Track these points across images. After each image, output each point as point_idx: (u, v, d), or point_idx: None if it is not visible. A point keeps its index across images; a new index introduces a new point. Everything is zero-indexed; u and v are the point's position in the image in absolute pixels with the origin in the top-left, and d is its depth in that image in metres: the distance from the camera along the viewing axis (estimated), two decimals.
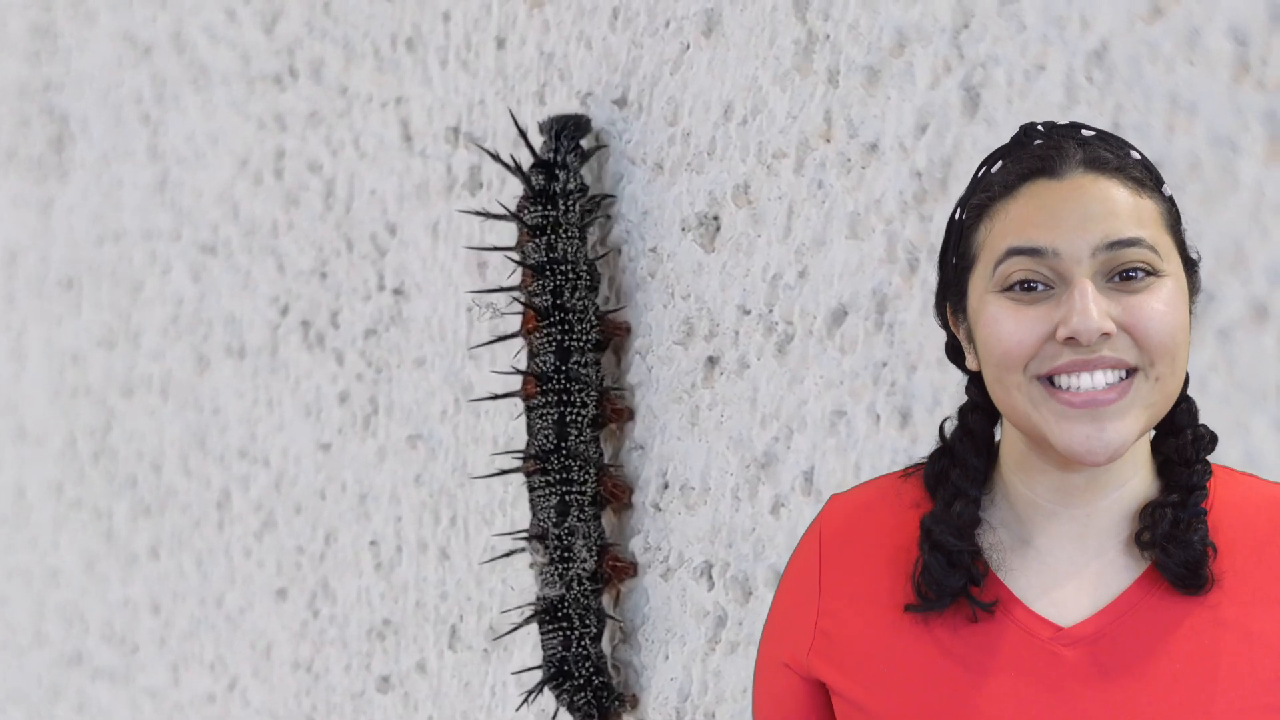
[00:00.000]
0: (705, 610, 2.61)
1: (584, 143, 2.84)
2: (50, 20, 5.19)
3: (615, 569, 2.76)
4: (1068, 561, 1.54)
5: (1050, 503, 1.55)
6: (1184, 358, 1.48)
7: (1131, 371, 1.46)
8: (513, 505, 3.07)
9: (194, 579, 4.23)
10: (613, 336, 2.80)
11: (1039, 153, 1.51)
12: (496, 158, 2.89)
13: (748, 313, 2.56)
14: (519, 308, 2.83)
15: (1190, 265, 1.53)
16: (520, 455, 2.80)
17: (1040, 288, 1.47)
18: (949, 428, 1.61)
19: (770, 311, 2.52)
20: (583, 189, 2.81)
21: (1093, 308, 1.44)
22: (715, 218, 2.64)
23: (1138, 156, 1.52)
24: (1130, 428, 1.47)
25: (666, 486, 2.71)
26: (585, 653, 2.74)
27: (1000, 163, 1.54)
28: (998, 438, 1.61)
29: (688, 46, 2.71)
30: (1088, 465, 1.49)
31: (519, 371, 2.81)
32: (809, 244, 2.45)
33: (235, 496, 4.06)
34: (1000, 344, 1.48)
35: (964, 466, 1.57)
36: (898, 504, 1.61)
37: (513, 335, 2.85)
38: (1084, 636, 1.50)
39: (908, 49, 2.31)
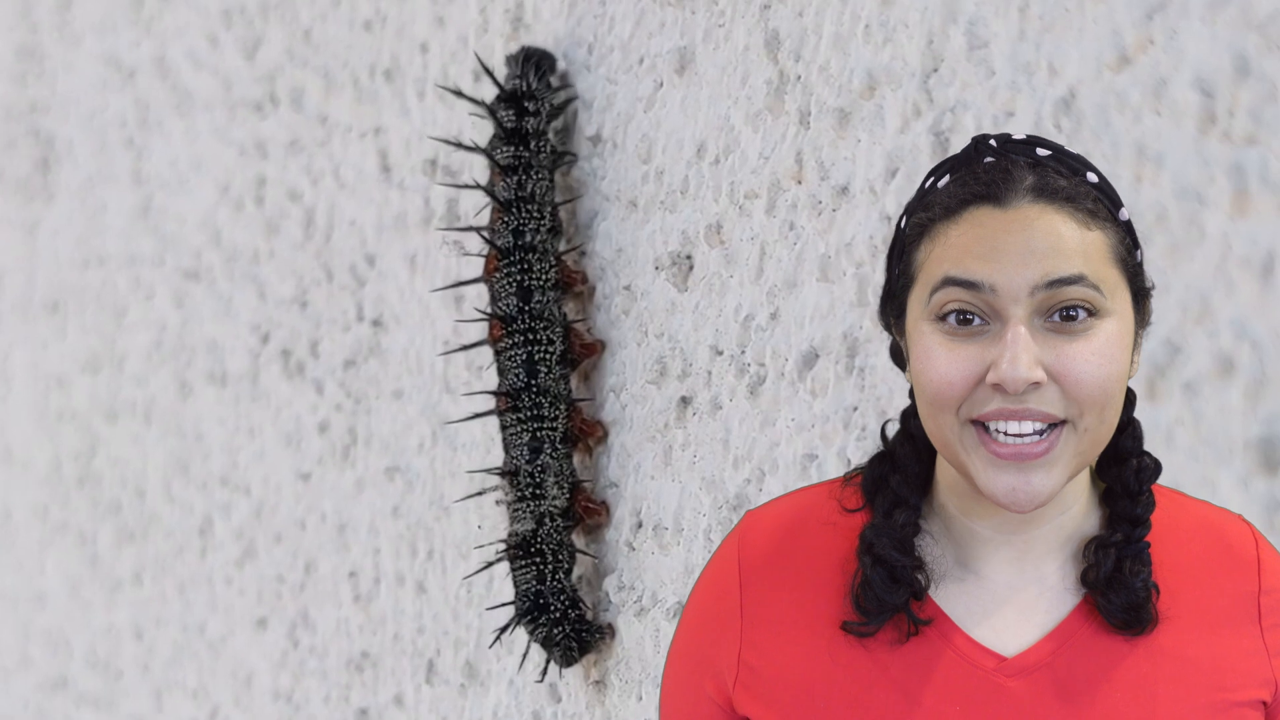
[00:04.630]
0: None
1: (552, 80, 2.87)
2: (36, 42, 5.18)
3: (587, 509, 2.74)
4: (1005, 586, 1.51)
5: (987, 530, 1.52)
6: (1115, 407, 1.45)
7: (1059, 423, 1.43)
8: (489, 539, 3.05)
9: (176, 606, 4.22)
10: (572, 283, 2.79)
11: (986, 176, 1.46)
12: (460, 93, 2.92)
13: (720, 353, 2.55)
14: (486, 252, 2.83)
15: (1142, 295, 1.49)
16: (494, 399, 2.78)
17: (976, 320, 1.43)
18: (890, 430, 1.59)
19: (742, 353, 2.51)
20: (554, 110, 2.84)
21: (1023, 356, 1.40)
22: (688, 257, 2.63)
23: (1094, 179, 1.48)
24: (1057, 478, 1.44)
25: (640, 526, 2.70)
26: (560, 586, 2.68)
27: (948, 177, 1.49)
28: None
29: (661, 84, 2.70)
30: (1012, 513, 1.47)
31: (484, 315, 2.79)
32: (780, 286, 2.44)
33: (217, 524, 4.05)
34: (932, 384, 1.45)
35: (904, 472, 1.54)
36: (824, 520, 1.56)
37: (475, 280, 2.85)
38: (1027, 667, 1.48)
39: (878, 92, 2.30)
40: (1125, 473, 1.52)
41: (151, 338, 4.37)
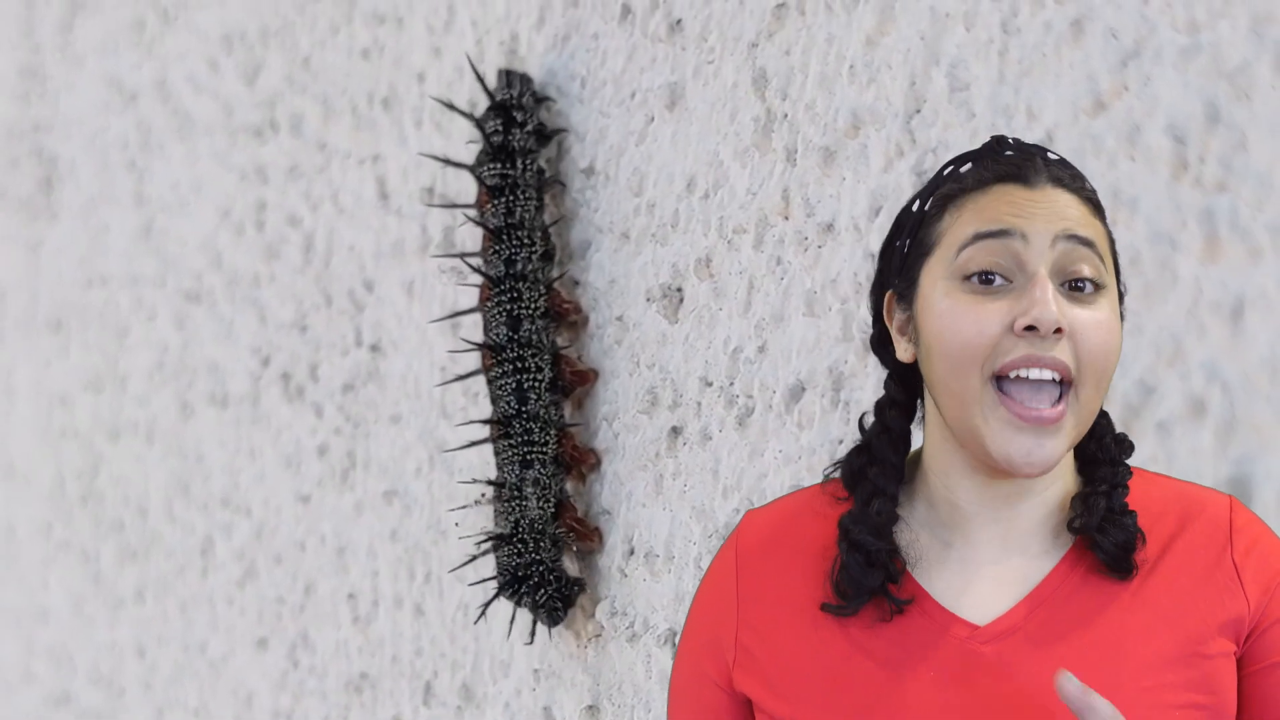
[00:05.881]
0: (669, 677, 2.64)
1: (534, 89, 2.94)
2: (39, 62, 5.23)
3: (578, 532, 2.80)
4: (989, 562, 1.58)
5: (972, 506, 1.58)
6: (1108, 381, 1.54)
7: (1064, 390, 1.51)
8: (486, 563, 3.09)
9: (178, 625, 4.26)
10: (565, 313, 2.86)
11: (1013, 160, 1.56)
12: (452, 106, 2.98)
13: (710, 384, 2.59)
14: (480, 276, 2.89)
15: (1122, 295, 1.59)
16: (488, 427, 2.85)
17: (998, 280, 1.51)
18: (867, 422, 1.65)
19: (731, 384, 2.55)
20: (541, 129, 2.89)
21: (1053, 302, 1.49)
22: (679, 289, 2.67)
23: (1092, 188, 1.59)
24: (1063, 444, 1.53)
25: (632, 553, 2.74)
26: (538, 558, 2.75)
27: (970, 165, 1.59)
28: (916, 436, 1.64)
29: (652, 119, 2.74)
30: (1021, 476, 1.53)
31: (474, 345, 2.84)
32: (768, 319, 2.48)
33: (218, 544, 4.09)
34: (959, 335, 1.52)
35: (882, 464, 1.60)
36: (815, 512, 1.64)
37: (472, 310, 2.90)
38: (1000, 632, 1.54)
39: (862, 131, 2.34)
40: (1104, 444, 1.60)
41: (153, 358, 4.41)
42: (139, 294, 4.50)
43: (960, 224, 1.54)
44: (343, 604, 3.56)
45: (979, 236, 1.52)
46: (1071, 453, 1.61)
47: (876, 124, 2.32)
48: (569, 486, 2.86)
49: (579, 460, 2.83)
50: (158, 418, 4.38)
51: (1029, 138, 2.10)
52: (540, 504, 2.77)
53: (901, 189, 2.26)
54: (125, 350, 4.58)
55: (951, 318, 1.52)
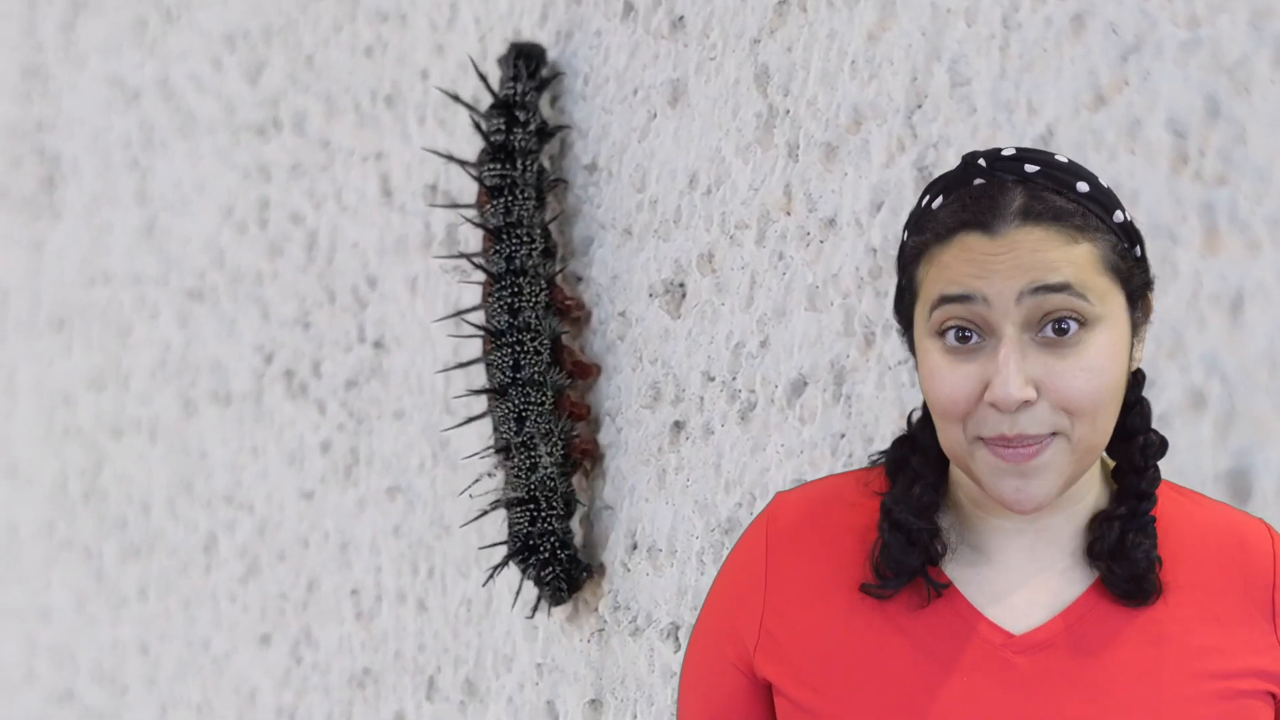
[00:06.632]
0: (672, 670, 2.65)
1: (543, 72, 2.94)
2: (41, 61, 5.24)
3: (584, 452, 2.83)
4: (1017, 570, 1.57)
5: (1000, 518, 1.58)
6: (1108, 414, 1.50)
7: (1051, 438, 1.49)
8: (488, 556, 3.10)
9: (181, 622, 4.27)
10: (568, 310, 2.88)
11: (975, 203, 1.50)
12: (457, 99, 2.99)
13: (712, 379, 2.61)
14: (481, 275, 2.91)
15: (1139, 294, 1.54)
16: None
17: (974, 338, 1.49)
18: (914, 417, 1.64)
19: (734, 379, 2.56)
20: (543, 127, 2.90)
21: (1013, 377, 1.46)
22: (681, 285, 2.68)
23: (1084, 189, 1.52)
24: (1053, 484, 1.51)
25: (635, 547, 2.75)
26: (550, 528, 2.76)
27: (941, 198, 1.54)
28: None
29: (654, 115, 2.76)
30: (1017, 513, 1.53)
31: (476, 327, 2.86)
32: (770, 314, 2.49)
33: (221, 541, 4.10)
34: (939, 400, 1.51)
35: (924, 453, 1.60)
36: (848, 501, 1.63)
37: (474, 309, 2.92)
38: (1034, 645, 1.54)
39: (863, 126, 2.35)
40: (1131, 449, 1.58)
41: (156, 356, 4.43)
42: (142, 292, 4.51)
43: (930, 280, 1.52)
44: (346, 600, 3.57)
45: (943, 300, 1.50)
46: (1100, 462, 1.60)
47: (878, 119, 2.33)
48: (576, 482, 2.86)
49: (577, 415, 2.83)
50: (160, 416, 4.40)
51: (1030, 133, 2.11)
52: (550, 451, 2.78)
53: (903, 184, 2.28)
54: (128, 348, 4.59)
55: (932, 379, 1.51)
